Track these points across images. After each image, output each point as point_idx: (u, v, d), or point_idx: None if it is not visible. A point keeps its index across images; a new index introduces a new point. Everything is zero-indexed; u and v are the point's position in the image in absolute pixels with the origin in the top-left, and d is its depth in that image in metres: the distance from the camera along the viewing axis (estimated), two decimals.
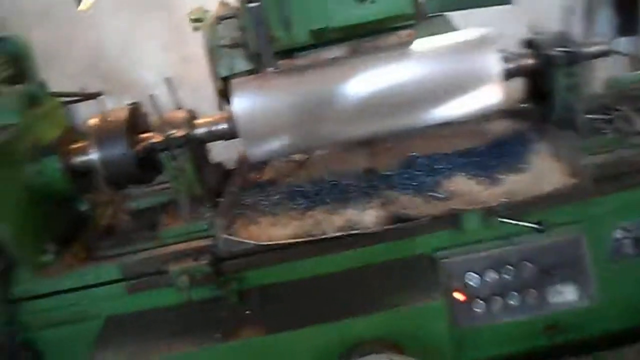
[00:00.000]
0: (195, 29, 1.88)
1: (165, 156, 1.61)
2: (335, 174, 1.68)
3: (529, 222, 1.47)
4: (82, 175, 1.68)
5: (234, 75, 1.73)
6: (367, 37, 1.67)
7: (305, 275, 1.50)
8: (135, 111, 1.69)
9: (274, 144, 1.60)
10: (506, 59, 1.63)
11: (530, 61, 1.66)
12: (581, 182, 1.42)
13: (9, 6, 3.08)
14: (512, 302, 1.52)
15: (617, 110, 1.75)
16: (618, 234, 1.53)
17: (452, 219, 1.48)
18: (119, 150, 1.61)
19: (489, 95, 1.56)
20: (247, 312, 1.45)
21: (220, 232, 1.49)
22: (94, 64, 4.28)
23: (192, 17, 1.89)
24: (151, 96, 1.60)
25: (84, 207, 1.83)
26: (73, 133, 1.74)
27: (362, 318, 1.37)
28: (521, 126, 1.76)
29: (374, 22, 1.51)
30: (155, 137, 1.60)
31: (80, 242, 1.70)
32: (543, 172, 1.50)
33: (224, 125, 1.65)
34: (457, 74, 1.55)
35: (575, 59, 1.59)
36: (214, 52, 1.82)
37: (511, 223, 1.47)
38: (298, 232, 1.47)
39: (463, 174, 1.56)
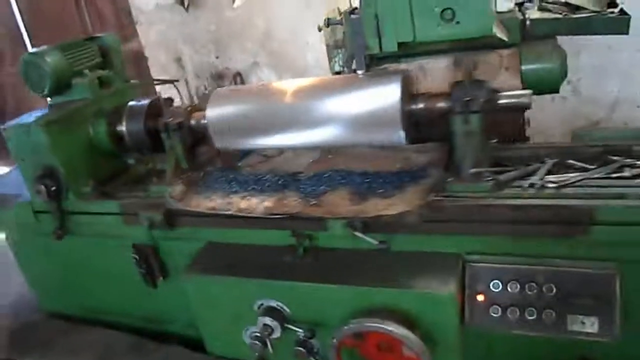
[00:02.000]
0: (319, 29, 2.28)
1: (164, 136, 2.27)
2: (271, 171, 2.14)
3: (375, 239, 1.77)
4: (121, 139, 2.43)
5: (344, 72, 2.05)
6: (469, 50, 1.91)
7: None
8: (157, 100, 2.37)
9: (233, 142, 2.13)
10: (415, 100, 1.88)
11: (440, 105, 1.87)
12: (408, 216, 1.66)
13: None
14: (528, 317, 1.66)
15: (527, 164, 1.85)
16: None
17: (321, 223, 1.85)
18: (136, 126, 2.32)
19: (390, 131, 1.85)
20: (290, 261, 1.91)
21: (168, 195, 2.10)
22: (265, 42, 5.01)
23: (326, 17, 2.20)
24: (159, 94, 2.27)
25: (131, 161, 2.61)
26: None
27: (383, 289, 1.70)
28: (432, 161, 1.97)
29: (459, 41, 1.72)
30: (160, 121, 2.26)
31: (113, 184, 2.47)
32: (399, 202, 1.75)
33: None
34: (363, 109, 1.87)
35: (471, 108, 1.77)
36: (328, 51, 2.26)
37: (358, 236, 1.78)
38: (215, 207, 2.00)
39: (347, 190, 1.89)
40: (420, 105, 1.89)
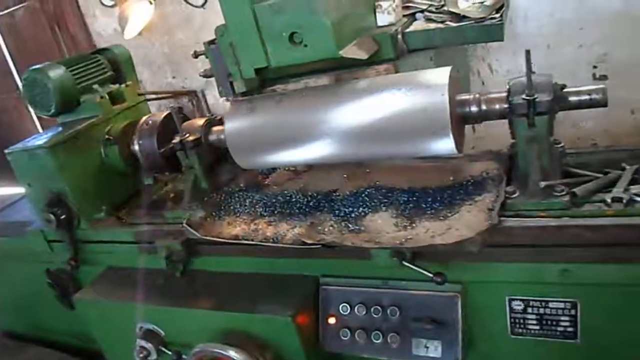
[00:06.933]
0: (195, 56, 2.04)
1: (180, 154, 2.03)
2: (301, 190, 1.87)
3: (429, 272, 1.49)
4: (136, 159, 2.21)
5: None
6: (348, 68, 1.80)
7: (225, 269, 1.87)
8: (169, 115, 2.13)
9: (256, 159, 1.87)
10: (468, 102, 1.60)
11: (498, 106, 1.58)
12: (469, 244, 1.38)
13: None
14: (375, 341, 1.64)
15: (605, 172, 1.55)
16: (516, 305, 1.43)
17: (363, 252, 1.58)
18: (149, 145, 2.09)
19: (438, 139, 1.57)
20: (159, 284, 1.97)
21: (185, 222, 1.85)
22: None
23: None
24: (172, 107, 2.03)
25: (148, 181, 2.38)
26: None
27: (232, 313, 1.72)
28: (490, 172, 1.68)
29: (308, 64, 1.65)
30: (175, 139, 2.02)
31: (128, 208, 2.25)
32: (456, 225, 1.47)
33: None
34: (406, 116, 1.59)
35: (535, 109, 1.47)
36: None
37: (412, 268, 1.50)
38: (239, 234, 1.74)
39: (391, 211, 1.62)
40: (474, 109, 1.61)
